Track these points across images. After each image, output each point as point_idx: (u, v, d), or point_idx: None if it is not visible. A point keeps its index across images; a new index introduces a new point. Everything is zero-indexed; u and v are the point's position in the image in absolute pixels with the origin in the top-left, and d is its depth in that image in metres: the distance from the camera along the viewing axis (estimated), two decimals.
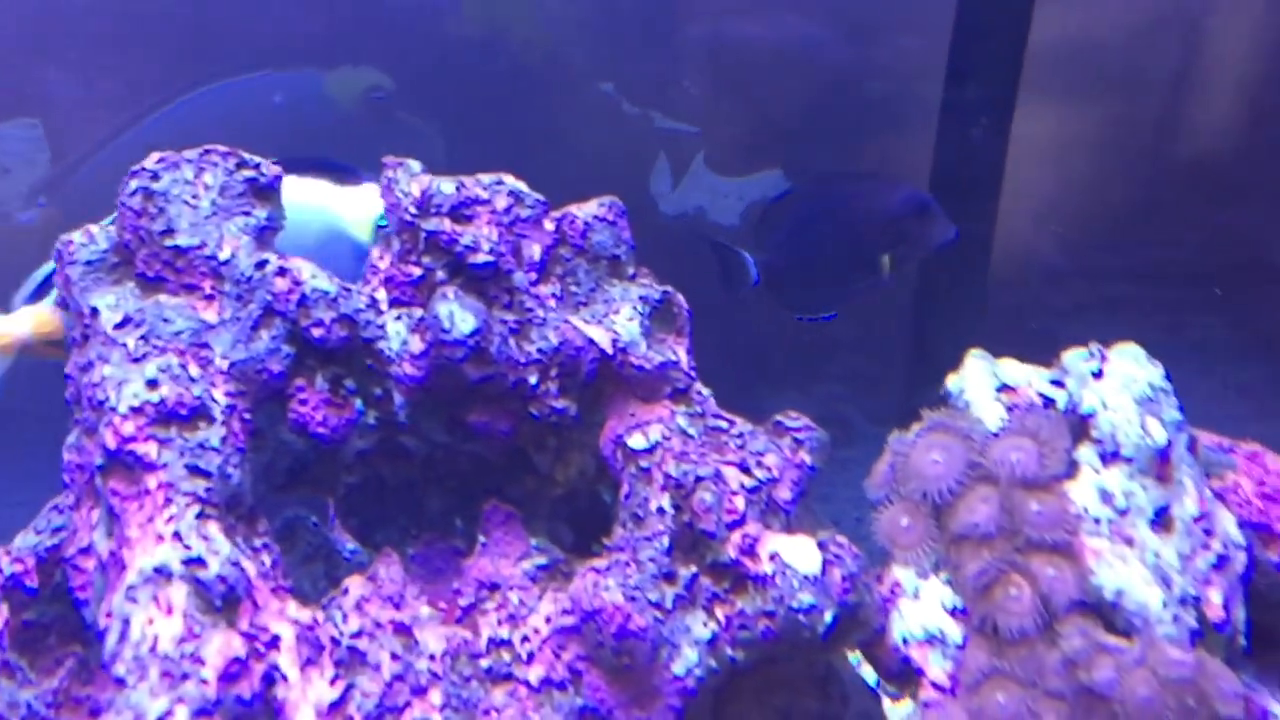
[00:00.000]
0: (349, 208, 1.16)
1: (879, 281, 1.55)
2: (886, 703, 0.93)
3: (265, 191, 1.01)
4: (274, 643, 0.76)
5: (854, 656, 0.99)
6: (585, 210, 1.07)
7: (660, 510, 0.89)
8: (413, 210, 0.98)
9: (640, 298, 1.03)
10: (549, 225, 1.05)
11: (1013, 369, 1.04)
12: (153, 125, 2.17)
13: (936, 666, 0.83)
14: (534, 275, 1.03)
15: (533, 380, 0.95)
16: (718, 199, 2.56)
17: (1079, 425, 0.94)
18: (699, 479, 0.90)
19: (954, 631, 0.86)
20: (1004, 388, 1.02)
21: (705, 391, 1.03)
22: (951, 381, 1.04)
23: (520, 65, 2.20)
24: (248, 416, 0.90)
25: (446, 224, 0.97)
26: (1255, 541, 0.96)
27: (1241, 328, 2.29)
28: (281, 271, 0.95)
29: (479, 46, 2.20)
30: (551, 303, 1.02)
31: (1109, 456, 0.91)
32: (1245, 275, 2.28)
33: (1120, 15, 2.29)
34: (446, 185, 0.99)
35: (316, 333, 0.92)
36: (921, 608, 0.88)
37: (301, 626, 0.78)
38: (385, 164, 1.03)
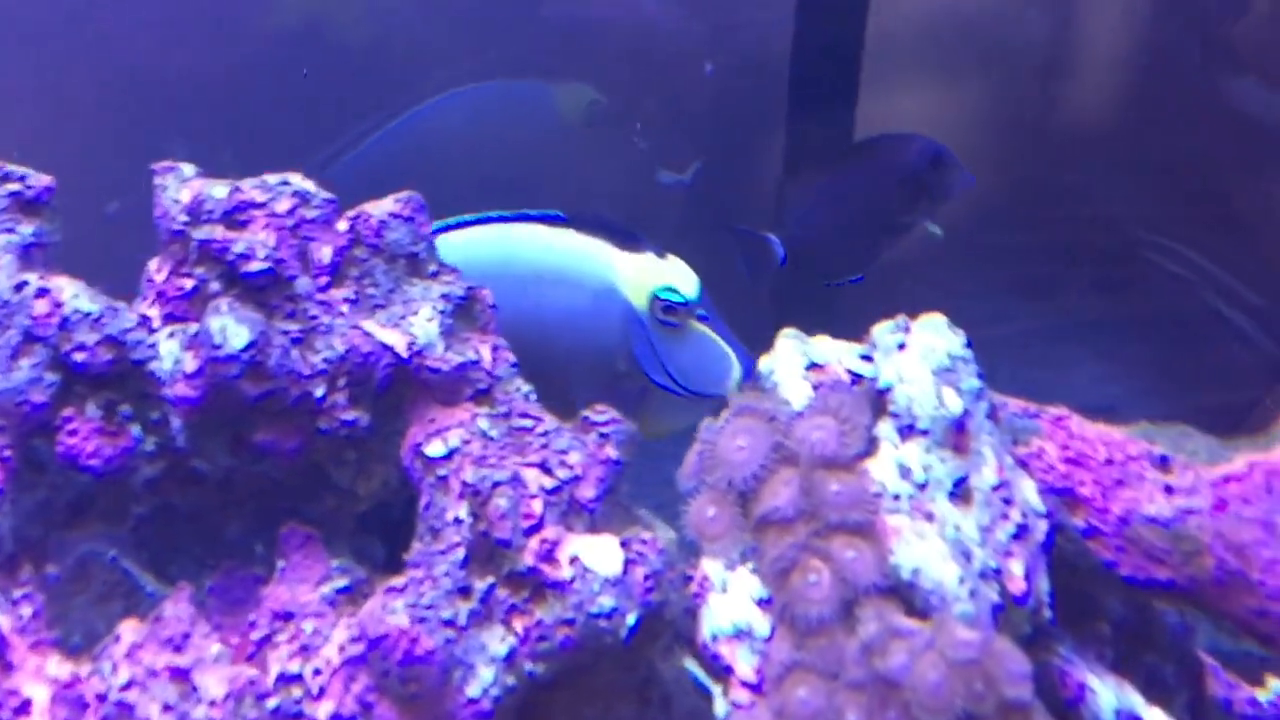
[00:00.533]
0: (626, 271, 1.18)
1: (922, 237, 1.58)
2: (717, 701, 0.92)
3: (32, 206, 0.94)
4: (24, 708, 0.70)
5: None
6: (381, 208, 1.03)
7: (457, 520, 0.86)
8: (183, 218, 0.92)
9: (442, 296, 0.99)
10: (342, 225, 1.00)
11: (823, 346, 1.03)
12: (391, 133, 2.11)
13: (745, 663, 0.82)
14: (325, 280, 0.98)
15: (319, 393, 0.90)
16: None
17: (879, 400, 0.93)
18: (496, 484, 0.87)
19: (762, 624, 0.84)
20: (813, 366, 1.01)
21: (518, 388, 1.00)
22: (763, 363, 1.02)
23: (343, 57, 2.12)
24: (8, 454, 0.84)
25: (219, 231, 0.92)
26: (1060, 507, 0.97)
27: (1124, 307, 2.33)
28: (41, 293, 0.88)
29: (296, 39, 2.12)
30: (345, 308, 0.98)
31: (907, 430, 0.90)
32: (1127, 254, 2.30)
33: None
34: (219, 189, 0.94)
35: (79, 357, 0.86)
36: (730, 601, 0.86)
37: (60, 685, 0.73)
38: (154, 170, 0.97)
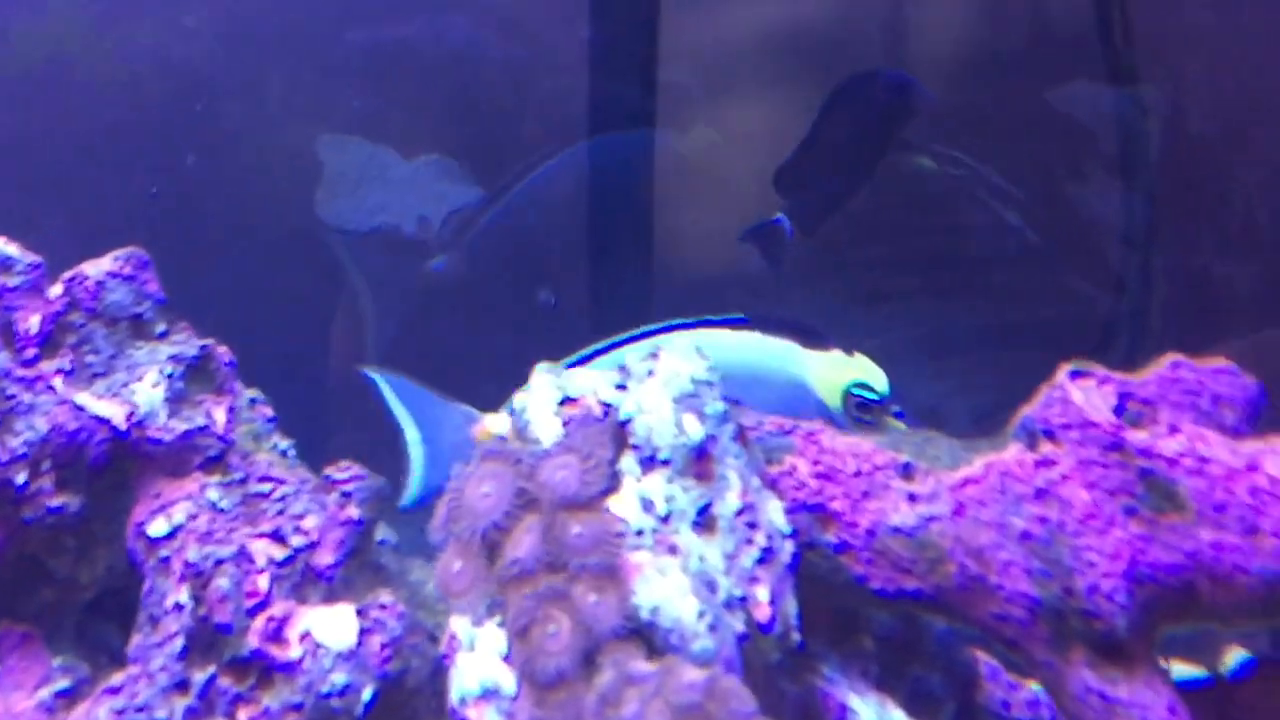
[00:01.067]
0: (817, 369, 1.19)
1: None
2: None
3: None
4: None
5: None
6: (98, 267, 0.96)
7: (177, 606, 0.81)
8: None
9: (170, 358, 0.94)
10: (54, 290, 0.94)
11: (579, 378, 1.01)
12: (544, 176, 1.99)
13: None
14: (33, 352, 0.91)
15: (20, 479, 0.84)
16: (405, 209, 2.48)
17: (621, 432, 0.91)
18: (219, 562, 0.82)
19: (508, 682, 0.81)
20: (567, 400, 0.99)
21: (273, 445, 0.95)
22: (516, 400, 1.00)
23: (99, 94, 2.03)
24: None
25: None
26: (814, 524, 0.97)
27: (972, 319, 2.35)
28: None
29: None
30: (59, 380, 0.91)
31: (648, 462, 0.89)
32: (973, 267, 2.33)
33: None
34: None
35: None
36: (477, 659, 0.83)
37: None
38: None
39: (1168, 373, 0.97)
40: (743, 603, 0.86)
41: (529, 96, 2.37)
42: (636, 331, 1.28)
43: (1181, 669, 1.10)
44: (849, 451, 0.99)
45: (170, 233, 2.16)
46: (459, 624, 0.89)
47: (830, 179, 1.75)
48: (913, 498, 0.94)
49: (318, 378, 2.33)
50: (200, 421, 0.91)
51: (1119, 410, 0.89)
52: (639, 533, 0.87)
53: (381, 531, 1.08)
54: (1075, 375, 0.92)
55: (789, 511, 0.97)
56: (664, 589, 0.83)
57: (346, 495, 0.91)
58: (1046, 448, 0.90)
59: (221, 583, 0.80)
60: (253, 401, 1.01)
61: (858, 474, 0.97)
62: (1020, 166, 2.18)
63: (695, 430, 0.90)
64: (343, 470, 0.93)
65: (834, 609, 0.99)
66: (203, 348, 0.95)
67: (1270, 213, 1.78)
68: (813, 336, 1.24)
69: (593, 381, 1.01)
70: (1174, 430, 0.87)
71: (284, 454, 0.96)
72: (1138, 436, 0.86)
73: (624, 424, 0.92)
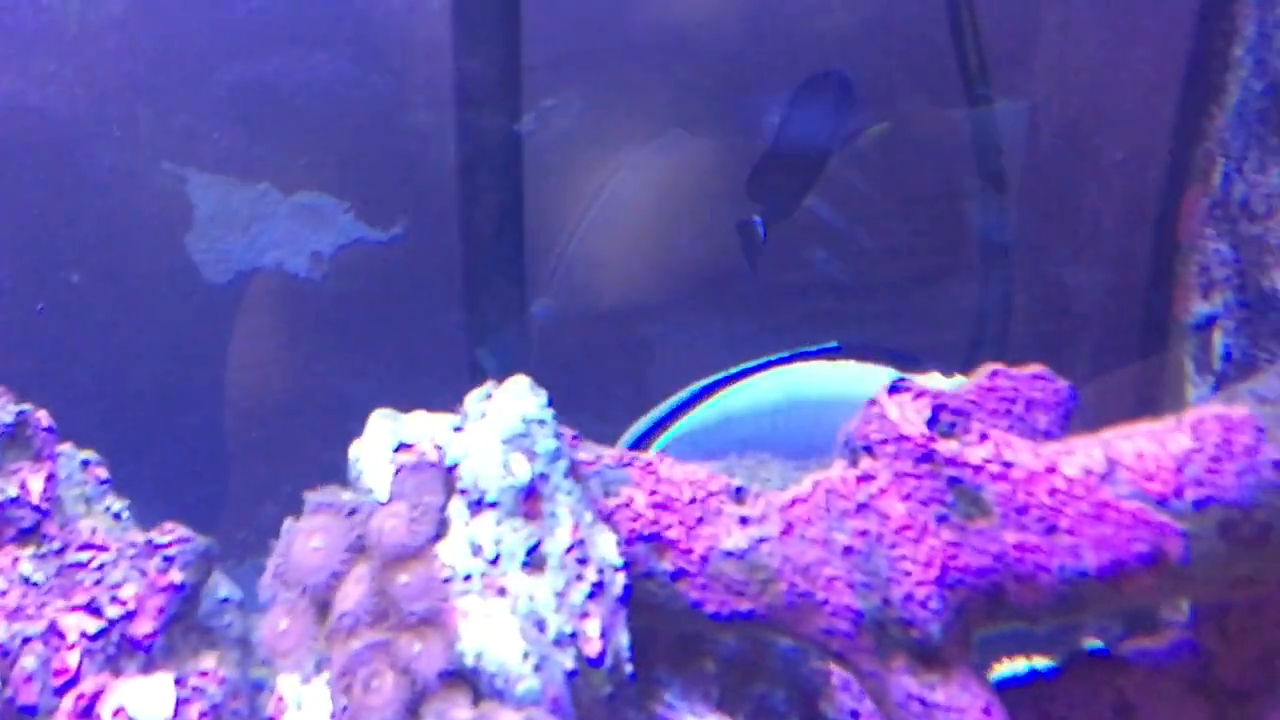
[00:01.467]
0: None
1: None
2: None
3: None
4: None
5: None
6: None
7: None
8: None
9: None
10: None
11: (416, 423, 1.00)
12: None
13: None
14: None
15: None
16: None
17: (450, 477, 0.91)
18: (26, 640, 0.79)
19: None
20: (403, 446, 0.98)
21: (106, 507, 0.92)
22: (351, 449, 0.99)
23: None
24: None
25: None
26: (650, 553, 0.98)
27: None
28: None
29: None
30: None
31: (476, 505, 0.88)
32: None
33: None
34: None
35: None
36: (304, 719, 0.82)
37: None
38: None
39: (986, 381, 1.00)
40: (573, 639, 0.86)
41: (400, 130, 2.36)
42: (734, 370, 1.27)
43: (1007, 667, 1.13)
44: (685, 480, 1.00)
45: (36, 276, 2.10)
46: (286, 683, 0.87)
47: (796, 179, 1.82)
48: (744, 521, 0.95)
49: (196, 417, 2.27)
50: (13, 493, 0.88)
51: (932, 422, 0.92)
52: (467, 577, 0.87)
53: (224, 589, 1.06)
54: (892, 390, 0.94)
55: (626, 542, 0.98)
56: (489, 632, 0.83)
57: (169, 560, 0.89)
58: (866, 463, 0.92)
59: (28, 662, 0.78)
60: (85, 464, 0.98)
61: (692, 501, 0.98)
62: (886, 186, 2.23)
63: (523, 471, 0.90)
64: (166, 533, 0.91)
65: (676, 635, 1.00)
66: (19, 414, 0.93)
67: (1115, 222, 1.85)
68: (908, 361, 1.24)
69: (430, 426, 1.01)
70: (983, 438, 0.90)
71: (117, 516, 0.94)
72: (947, 447, 0.88)
73: (451, 469, 0.92)
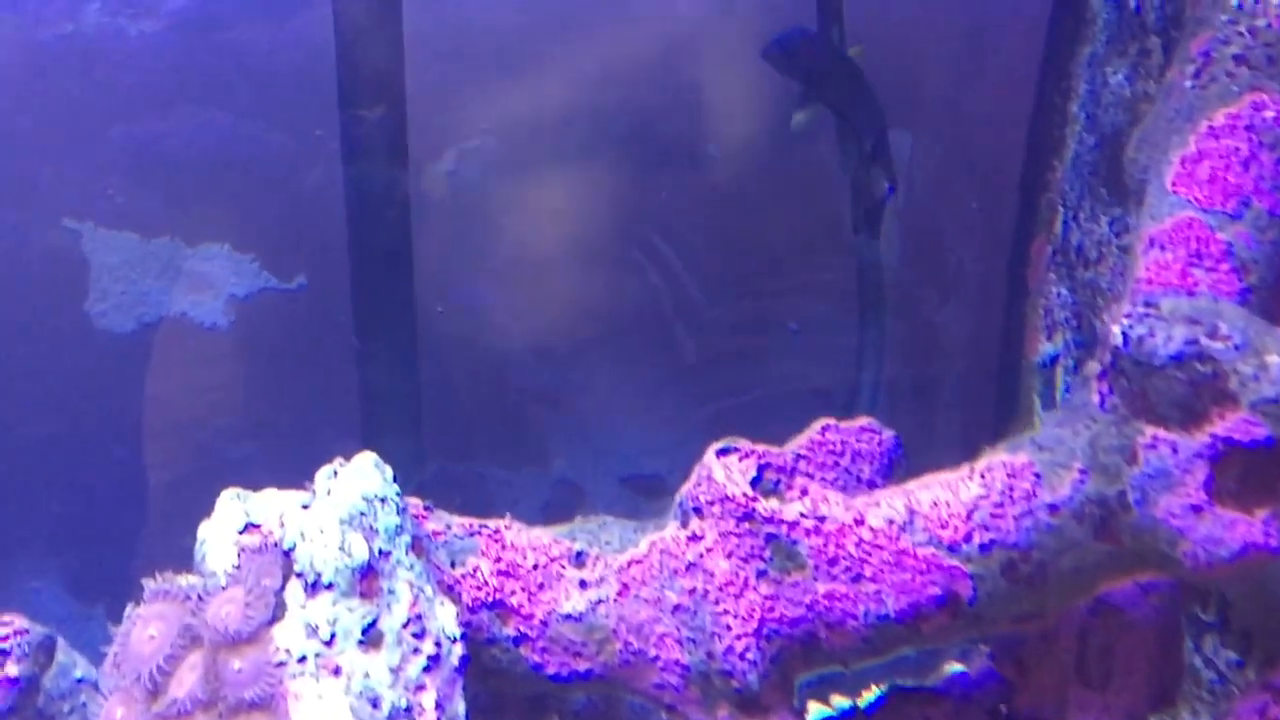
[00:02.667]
0: None
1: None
2: None
3: None
4: None
5: None
6: None
7: None
8: None
9: None
10: None
11: (265, 502, 1.01)
12: None
13: None
14: None
15: None
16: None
17: (288, 560, 0.92)
18: None
19: None
20: (250, 526, 0.99)
21: None
22: (200, 528, 0.99)
23: None
24: None
25: None
26: (494, 620, 1.00)
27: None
28: None
29: None
30: None
31: (312, 587, 0.90)
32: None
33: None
34: None
35: None
36: None
37: None
38: None
39: (817, 436, 1.04)
40: (408, 712, 0.88)
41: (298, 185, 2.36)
42: None
43: (826, 706, 1.16)
44: (529, 546, 1.02)
45: None
46: None
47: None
48: (584, 584, 0.98)
49: (94, 470, 2.24)
50: None
51: (756, 481, 0.95)
52: (301, 659, 0.88)
53: (80, 669, 1.06)
54: (721, 453, 0.98)
55: (471, 610, 1.00)
56: (319, 713, 0.84)
57: (4, 654, 0.90)
58: (695, 524, 0.95)
59: None
60: None
61: (535, 567, 1.00)
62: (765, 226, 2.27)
63: (361, 551, 0.92)
64: (3, 625, 0.91)
65: (523, 695, 1.02)
66: None
67: (976, 266, 1.92)
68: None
69: (279, 505, 1.02)
70: (803, 493, 0.93)
71: None
72: (766, 506, 0.92)
73: (289, 552, 0.93)
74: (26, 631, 0.90)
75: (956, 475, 0.88)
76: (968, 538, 0.85)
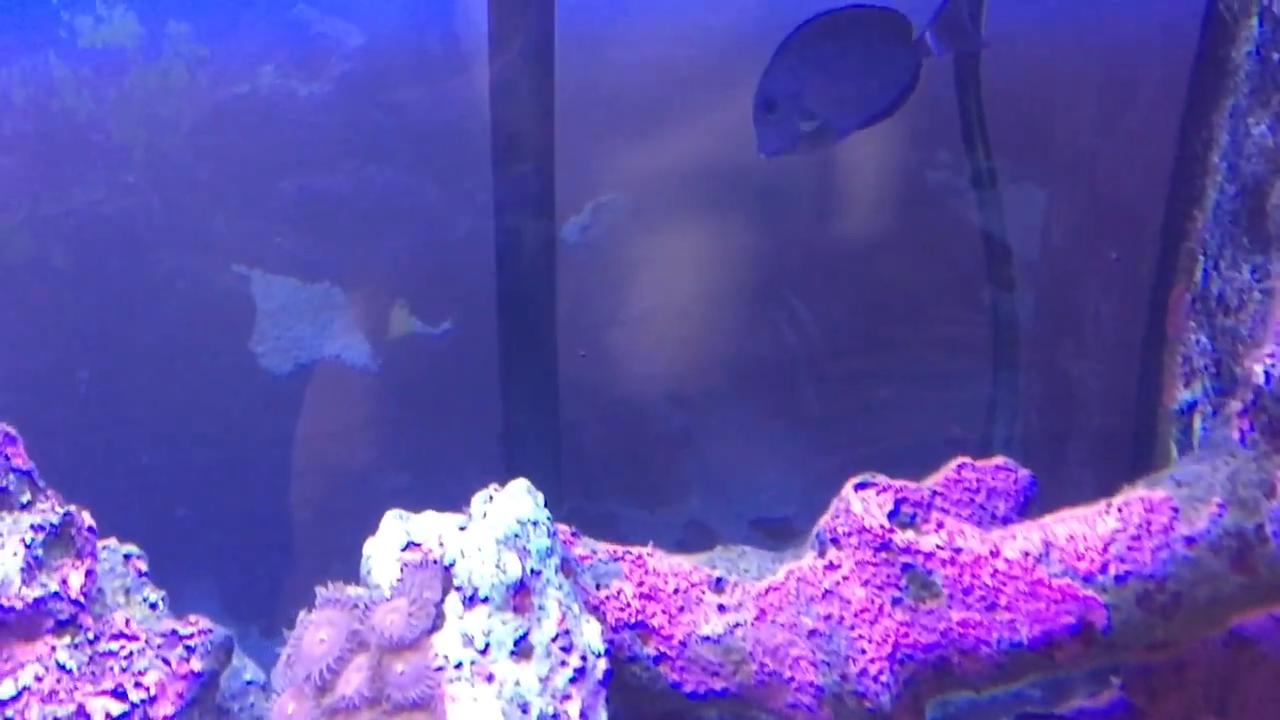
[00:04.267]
0: None
1: None
2: None
3: None
4: None
5: None
6: None
7: None
8: None
9: (33, 527, 1.01)
10: None
11: (425, 523, 1.09)
12: None
13: None
14: None
15: None
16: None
17: (448, 575, 0.99)
18: None
19: None
20: (410, 545, 1.06)
21: (143, 598, 1.02)
22: (365, 545, 1.07)
23: None
24: None
25: None
26: (635, 640, 1.04)
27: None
28: None
29: None
30: None
31: (470, 600, 0.96)
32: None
33: None
34: None
35: None
36: None
37: None
38: None
39: (953, 474, 1.06)
40: (554, 719, 0.93)
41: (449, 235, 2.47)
42: None
43: None
44: (671, 571, 1.07)
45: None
46: None
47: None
48: (722, 608, 1.02)
49: (253, 499, 2.35)
50: (54, 588, 0.98)
51: (894, 514, 0.98)
52: (458, 665, 0.95)
53: (249, 673, 1.14)
54: (859, 487, 1.01)
55: (614, 629, 1.05)
56: (475, 714, 0.90)
57: (190, 650, 0.98)
58: (832, 553, 0.99)
59: None
60: (127, 557, 1.08)
61: (676, 591, 1.05)
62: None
63: (515, 569, 0.98)
64: (189, 625, 1.00)
65: (660, 712, 1.06)
66: (65, 515, 1.03)
67: (1113, 317, 1.90)
68: None
69: (437, 525, 1.09)
70: (939, 527, 0.96)
71: (153, 606, 1.03)
72: (903, 537, 0.95)
73: (449, 567, 1.00)
74: (210, 631, 0.99)
75: (1093, 510, 0.90)
76: (1103, 568, 0.86)
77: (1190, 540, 0.85)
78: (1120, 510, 0.87)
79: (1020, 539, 0.90)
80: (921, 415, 2.21)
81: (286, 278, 2.48)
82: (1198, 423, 1.34)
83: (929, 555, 0.92)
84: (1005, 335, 1.97)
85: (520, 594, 0.99)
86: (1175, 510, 0.86)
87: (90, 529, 1.04)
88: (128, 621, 1.01)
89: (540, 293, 2.10)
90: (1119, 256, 1.84)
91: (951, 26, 1.51)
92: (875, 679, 0.89)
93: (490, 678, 0.94)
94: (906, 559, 0.93)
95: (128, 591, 1.09)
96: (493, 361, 2.10)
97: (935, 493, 1.03)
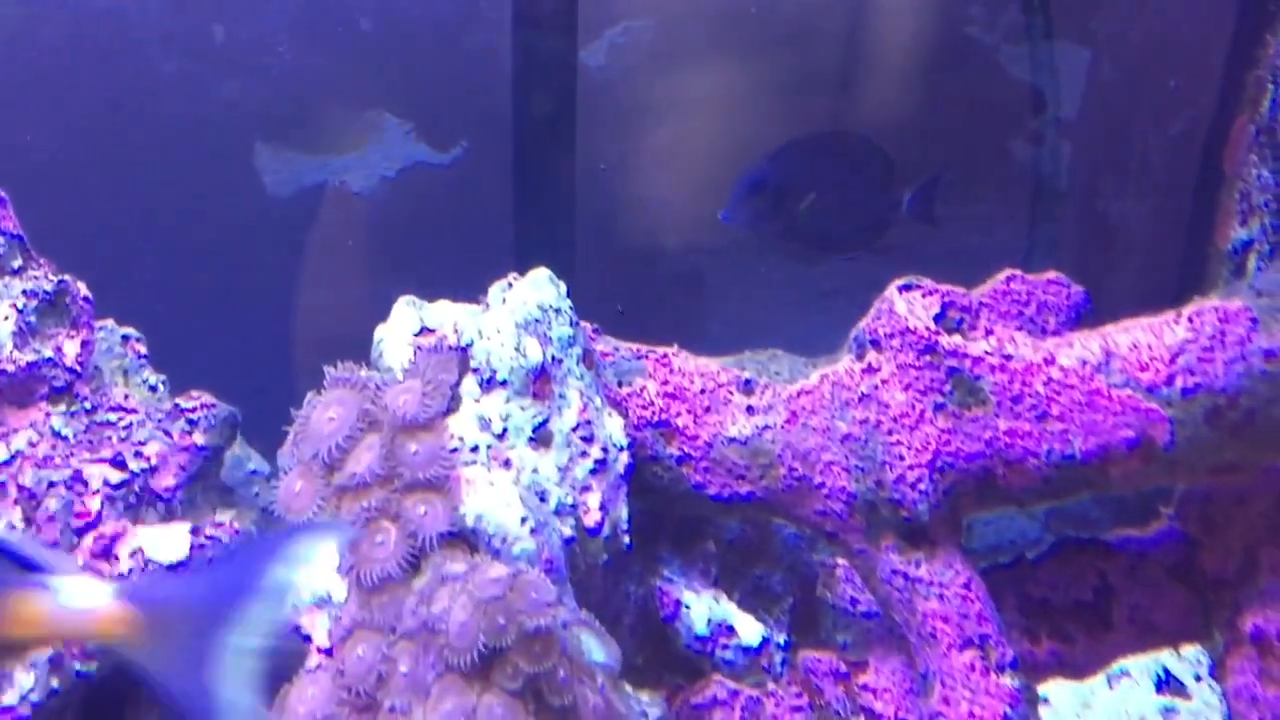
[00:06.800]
0: None
1: None
2: None
3: None
4: None
5: None
6: None
7: (10, 527, 0.83)
8: None
9: (25, 292, 0.95)
10: None
11: (439, 310, 1.03)
12: None
13: (321, 629, 0.82)
14: None
15: None
16: None
17: (465, 357, 0.94)
18: (51, 485, 0.84)
19: (340, 591, 0.84)
20: (424, 330, 1.01)
21: (144, 379, 0.97)
22: (377, 330, 1.02)
23: None
24: None
25: None
26: (658, 439, 1.00)
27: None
28: None
29: None
30: None
31: (487, 383, 0.91)
32: None
33: None
34: None
35: None
36: (311, 572, 0.85)
37: None
38: None
39: (1001, 285, 1.00)
40: (573, 509, 0.88)
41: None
42: None
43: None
44: (697, 371, 1.02)
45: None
46: None
47: None
48: (750, 410, 0.97)
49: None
50: (47, 353, 0.93)
51: (939, 318, 0.92)
52: (474, 449, 0.90)
53: (254, 462, 1.10)
54: (904, 288, 0.95)
55: (635, 428, 1.00)
56: (490, 499, 0.86)
57: (193, 423, 0.93)
58: (872, 356, 0.93)
59: (51, 504, 0.82)
60: (125, 338, 1.02)
61: (702, 391, 1.00)
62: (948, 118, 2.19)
63: (535, 353, 0.93)
64: (191, 399, 0.95)
65: (680, 518, 1.02)
66: (59, 283, 0.97)
67: (1163, 154, 1.81)
68: None
69: (452, 312, 1.03)
70: (988, 333, 0.90)
71: (153, 389, 0.98)
72: (950, 340, 0.89)
73: (465, 349, 0.94)
74: (214, 405, 0.94)
75: (1160, 319, 0.84)
76: (1169, 380, 0.81)
77: (1270, 354, 0.79)
78: (1191, 320, 0.81)
79: (1078, 346, 0.84)
80: (950, 267, 2.15)
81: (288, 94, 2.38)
82: (1253, 261, 1.28)
83: (977, 360, 0.87)
84: (1041, 189, 1.89)
85: (540, 380, 0.94)
86: (1254, 321, 0.80)
87: (86, 299, 0.98)
88: (126, 396, 0.96)
89: (559, 118, 2.00)
90: (1176, 85, 1.74)
91: (922, 203, 1.70)
92: (913, 486, 0.85)
93: (507, 463, 0.90)
94: (953, 363, 0.88)
95: (125, 373, 1.04)
96: (507, 193, 2.03)
97: (982, 303, 0.97)
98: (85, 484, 0.84)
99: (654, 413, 1.00)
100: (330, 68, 2.43)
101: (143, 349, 1.01)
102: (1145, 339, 0.82)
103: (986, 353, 0.87)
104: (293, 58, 2.42)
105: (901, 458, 0.86)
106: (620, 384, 1.03)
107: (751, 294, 2.41)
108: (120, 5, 2.25)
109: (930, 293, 0.95)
